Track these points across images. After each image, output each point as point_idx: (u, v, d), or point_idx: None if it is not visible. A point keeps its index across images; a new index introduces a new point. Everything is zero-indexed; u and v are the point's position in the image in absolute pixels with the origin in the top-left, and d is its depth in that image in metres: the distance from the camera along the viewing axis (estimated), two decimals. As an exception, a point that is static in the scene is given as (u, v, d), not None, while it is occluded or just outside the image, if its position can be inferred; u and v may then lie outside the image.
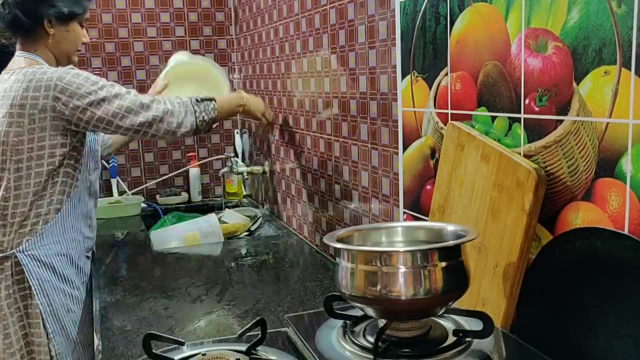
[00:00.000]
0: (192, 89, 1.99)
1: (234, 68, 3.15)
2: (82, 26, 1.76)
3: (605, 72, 0.90)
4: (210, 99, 1.78)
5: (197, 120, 1.73)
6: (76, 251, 1.73)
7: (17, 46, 1.71)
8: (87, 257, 1.81)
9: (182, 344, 1.13)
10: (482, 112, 1.18)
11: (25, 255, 1.62)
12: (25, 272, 1.62)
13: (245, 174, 2.76)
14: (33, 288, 1.62)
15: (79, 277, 1.75)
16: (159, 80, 2.11)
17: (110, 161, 2.85)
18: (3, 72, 1.69)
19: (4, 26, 1.67)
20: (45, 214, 1.64)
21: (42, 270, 1.64)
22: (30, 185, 1.60)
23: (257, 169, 2.72)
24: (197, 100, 1.75)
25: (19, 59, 1.68)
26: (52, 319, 1.64)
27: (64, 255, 1.68)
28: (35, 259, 1.63)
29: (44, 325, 1.63)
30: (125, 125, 1.62)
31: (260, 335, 1.13)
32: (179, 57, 2.21)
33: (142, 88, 3.01)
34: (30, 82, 1.57)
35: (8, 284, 1.63)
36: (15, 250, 1.62)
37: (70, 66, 1.75)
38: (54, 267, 1.66)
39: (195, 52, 3.08)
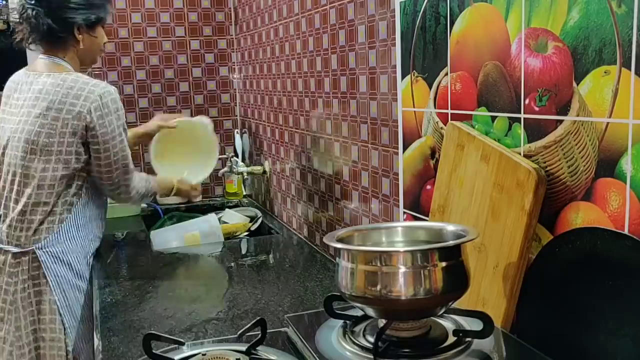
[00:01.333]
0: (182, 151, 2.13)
1: (234, 68, 3.15)
2: (103, 28, 1.85)
3: (605, 72, 0.90)
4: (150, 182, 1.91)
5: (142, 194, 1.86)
6: (89, 248, 1.81)
7: (41, 50, 1.78)
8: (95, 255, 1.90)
9: (182, 344, 1.13)
10: (482, 112, 1.18)
11: (43, 252, 1.69)
12: (43, 268, 1.69)
13: (245, 174, 2.76)
14: (50, 284, 1.69)
15: (89, 273, 1.83)
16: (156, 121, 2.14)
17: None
18: (28, 71, 1.77)
19: (39, 37, 1.74)
20: (60, 213, 1.71)
21: (59, 266, 1.71)
22: (54, 186, 1.68)
23: (257, 169, 2.72)
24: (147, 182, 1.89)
25: (44, 62, 1.75)
26: (69, 314, 1.71)
27: (79, 252, 1.76)
28: (53, 256, 1.70)
29: (62, 321, 1.69)
30: (106, 170, 1.71)
31: (260, 335, 1.13)
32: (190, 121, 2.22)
33: (142, 88, 3.01)
34: (71, 89, 1.66)
35: (24, 277, 1.69)
36: (33, 247, 1.69)
37: (111, 88, 1.78)
38: (71, 264, 1.73)
39: (195, 52, 3.09)
